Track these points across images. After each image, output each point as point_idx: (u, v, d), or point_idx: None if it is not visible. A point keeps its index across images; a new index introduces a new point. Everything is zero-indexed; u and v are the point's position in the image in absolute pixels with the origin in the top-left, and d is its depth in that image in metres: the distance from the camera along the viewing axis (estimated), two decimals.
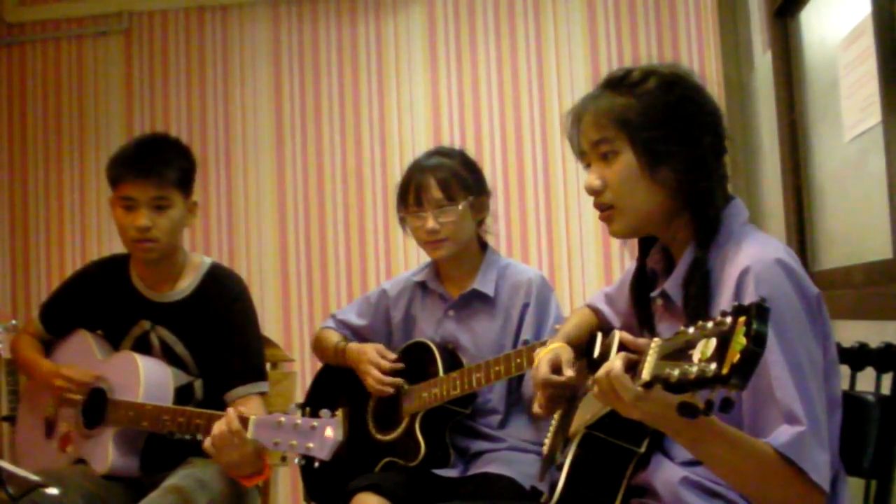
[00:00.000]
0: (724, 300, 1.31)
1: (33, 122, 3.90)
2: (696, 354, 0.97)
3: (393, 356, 2.19)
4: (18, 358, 2.26)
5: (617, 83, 1.43)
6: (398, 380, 2.16)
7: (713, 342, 0.96)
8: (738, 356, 0.92)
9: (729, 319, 0.95)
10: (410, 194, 2.18)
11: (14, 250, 3.86)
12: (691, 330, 1.01)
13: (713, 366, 0.93)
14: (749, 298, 1.26)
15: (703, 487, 1.35)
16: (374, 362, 2.17)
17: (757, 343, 0.92)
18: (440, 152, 2.26)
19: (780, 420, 1.21)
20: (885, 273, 1.85)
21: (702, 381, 0.95)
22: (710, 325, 0.98)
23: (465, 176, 2.19)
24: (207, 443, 1.82)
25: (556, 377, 1.57)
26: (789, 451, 1.18)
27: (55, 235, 3.84)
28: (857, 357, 1.46)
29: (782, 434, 1.19)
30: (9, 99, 3.92)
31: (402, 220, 2.24)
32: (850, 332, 1.64)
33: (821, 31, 2.27)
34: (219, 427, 1.80)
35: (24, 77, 3.91)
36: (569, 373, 1.55)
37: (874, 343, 1.45)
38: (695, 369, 0.96)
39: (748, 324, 0.93)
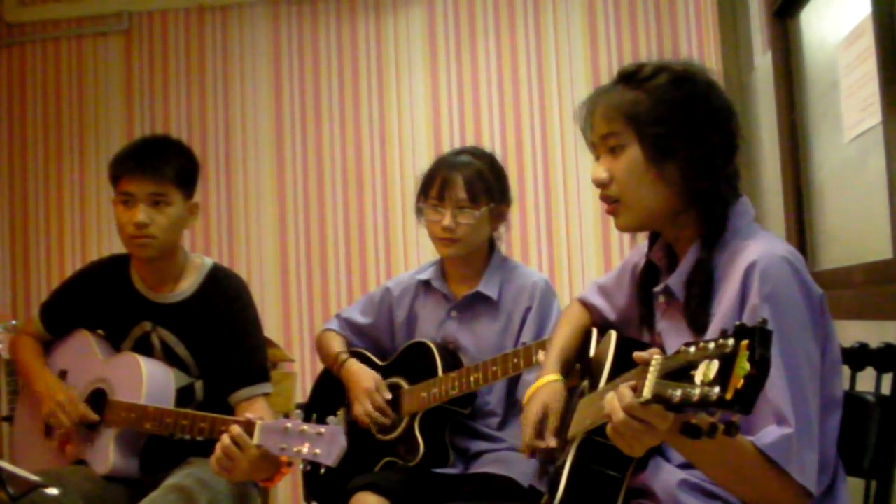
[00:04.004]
0: (729, 295, 1.31)
1: (33, 122, 3.90)
2: (699, 376, 0.96)
3: (388, 395, 2.17)
4: (18, 361, 2.25)
5: (629, 77, 1.43)
6: (385, 419, 2.15)
7: (715, 364, 0.95)
8: (741, 382, 0.92)
9: (731, 342, 0.95)
10: (434, 187, 2.17)
11: (14, 250, 3.87)
12: (692, 349, 1.00)
13: (716, 390, 0.93)
14: (754, 294, 1.26)
15: (702, 489, 1.35)
16: (370, 396, 2.16)
17: (761, 369, 0.92)
18: (472, 152, 2.25)
19: (769, 419, 1.21)
20: (885, 273, 1.85)
21: (705, 405, 0.95)
22: (711, 345, 0.98)
23: (491, 181, 2.18)
24: (213, 463, 1.80)
25: (539, 443, 1.61)
26: (773, 452, 1.19)
27: (55, 235, 3.84)
28: (857, 357, 1.46)
29: (769, 434, 1.20)
30: (9, 99, 3.92)
31: (420, 211, 2.23)
32: (850, 332, 1.64)
33: (821, 31, 2.26)
34: (221, 443, 1.76)
35: (24, 77, 3.92)
36: (551, 443, 1.59)
37: (874, 343, 1.45)
38: (697, 391, 0.95)
39: (751, 348, 0.93)
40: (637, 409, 1.08)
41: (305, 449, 1.68)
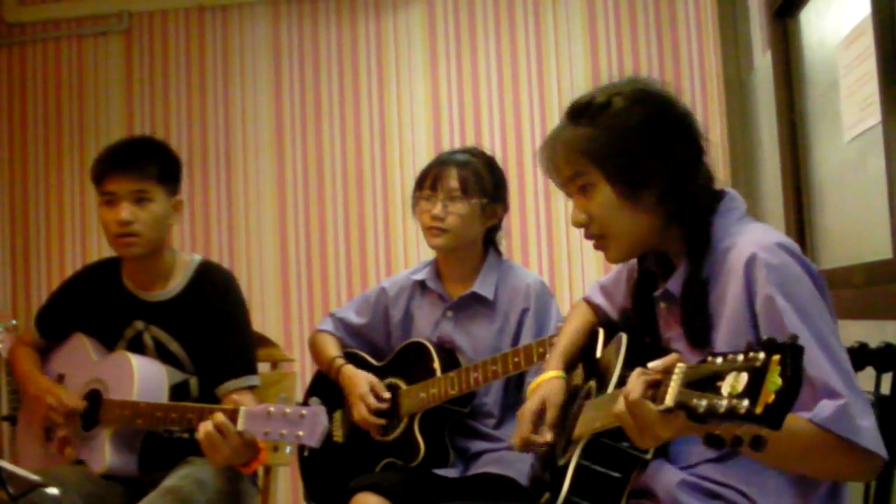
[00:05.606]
0: (732, 294, 1.31)
1: (33, 122, 3.89)
2: (726, 388, 0.95)
3: (386, 395, 2.17)
4: (15, 371, 2.26)
5: (580, 113, 1.43)
6: (381, 421, 2.15)
7: (744, 377, 0.94)
8: (772, 396, 0.90)
9: (762, 355, 0.93)
10: (428, 178, 2.19)
11: (14, 250, 3.86)
12: (719, 360, 0.99)
13: (745, 403, 0.92)
14: (761, 285, 1.27)
15: (702, 489, 1.35)
16: (365, 399, 2.16)
17: (792, 385, 0.91)
18: (470, 151, 2.27)
19: (815, 398, 1.20)
20: (885, 273, 1.85)
21: (732, 417, 0.93)
22: (740, 357, 0.96)
23: (485, 178, 2.19)
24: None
25: (535, 438, 1.60)
26: (834, 425, 1.17)
27: (55, 235, 3.84)
28: (857, 357, 1.46)
29: (824, 409, 1.19)
30: (9, 99, 3.92)
31: (415, 205, 2.24)
32: (850, 332, 1.64)
33: (821, 31, 2.27)
34: (204, 427, 1.78)
35: (24, 77, 3.91)
36: (547, 438, 1.58)
37: (874, 343, 1.45)
38: (724, 403, 0.94)
39: (783, 363, 0.91)
40: (645, 410, 1.08)
41: (288, 431, 1.69)
